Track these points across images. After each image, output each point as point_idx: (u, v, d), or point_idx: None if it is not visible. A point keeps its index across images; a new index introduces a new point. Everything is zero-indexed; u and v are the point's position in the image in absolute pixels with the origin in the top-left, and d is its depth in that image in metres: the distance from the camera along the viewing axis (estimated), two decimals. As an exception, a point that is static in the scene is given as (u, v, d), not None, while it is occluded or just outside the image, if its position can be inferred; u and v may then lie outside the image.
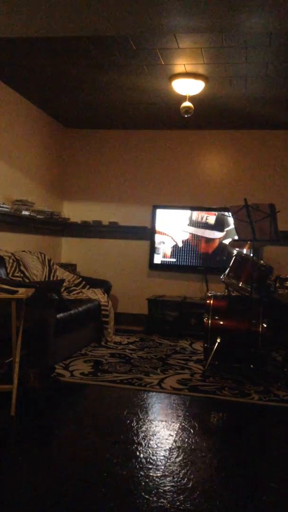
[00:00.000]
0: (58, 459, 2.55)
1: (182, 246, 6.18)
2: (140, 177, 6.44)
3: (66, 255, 6.62)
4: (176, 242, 6.18)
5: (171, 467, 2.42)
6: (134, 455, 2.54)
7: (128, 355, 4.68)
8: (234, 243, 5.18)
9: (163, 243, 6.22)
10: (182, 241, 6.17)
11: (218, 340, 4.08)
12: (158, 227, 6.24)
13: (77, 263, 6.44)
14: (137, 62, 4.24)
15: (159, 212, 6.25)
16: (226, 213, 6.00)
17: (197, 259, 6.15)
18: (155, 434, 2.84)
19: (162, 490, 2.18)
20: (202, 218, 6.12)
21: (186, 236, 6.16)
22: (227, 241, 5.98)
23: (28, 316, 3.27)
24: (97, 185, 6.56)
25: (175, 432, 2.88)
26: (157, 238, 6.25)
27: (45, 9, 3.32)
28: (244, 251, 4.73)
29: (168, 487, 2.21)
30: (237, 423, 3.17)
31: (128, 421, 3.01)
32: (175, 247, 6.19)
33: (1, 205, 4.66)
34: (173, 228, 6.20)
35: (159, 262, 6.25)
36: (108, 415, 3.18)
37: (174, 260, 6.20)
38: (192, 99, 4.80)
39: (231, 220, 5.60)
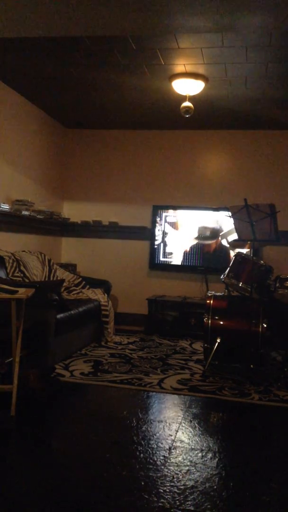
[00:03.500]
0: (58, 459, 2.55)
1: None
2: (140, 177, 6.44)
3: (66, 255, 6.62)
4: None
5: (171, 467, 2.42)
6: (134, 455, 2.54)
7: (128, 355, 4.67)
8: (234, 243, 5.19)
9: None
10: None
11: (218, 340, 4.08)
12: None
13: (77, 263, 6.44)
14: (137, 62, 4.23)
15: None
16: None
17: (198, 259, 6.15)
18: (155, 434, 2.84)
19: (162, 490, 2.18)
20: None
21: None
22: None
23: (28, 316, 3.27)
24: (97, 185, 6.56)
25: (175, 432, 2.88)
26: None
27: (45, 9, 3.32)
28: (244, 251, 4.73)
29: (168, 487, 2.21)
30: (237, 423, 3.17)
31: (128, 421, 3.01)
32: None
33: (1, 205, 4.66)
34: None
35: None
36: (108, 415, 3.17)
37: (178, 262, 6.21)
38: (192, 99, 4.80)
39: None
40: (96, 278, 5.84)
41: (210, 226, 6.09)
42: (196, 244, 6.14)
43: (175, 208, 6.22)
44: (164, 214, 6.24)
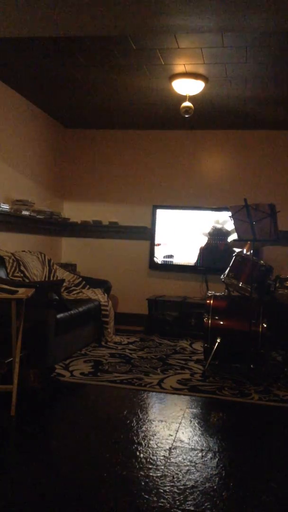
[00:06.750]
0: (58, 459, 2.55)
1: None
2: (140, 177, 6.44)
3: (66, 255, 6.62)
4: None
5: (171, 467, 2.42)
6: (134, 455, 2.54)
7: (128, 355, 4.67)
8: (234, 243, 5.18)
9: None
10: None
11: (218, 340, 4.08)
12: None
13: (77, 263, 6.44)
14: (137, 62, 4.23)
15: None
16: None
17: (198, 259, 6.15)
18: (155, 434, 2.84)
19: (162, 490, 2.18)
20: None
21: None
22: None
23: (28, 316, 3.27)
24: (97, 185, 6.56)
25: (175, 432, 2.88)
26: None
27: (45, 9, 3.32)
28: (244, 251, 4.73)
29: (168, 487, 2.21)
30: (237, 423, 3.17)
31: (128, 421, 3.01)
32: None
33: (1, 205, 4.66)
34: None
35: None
36: (108, 415, 3.17)
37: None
38: (192, 99, 4.80)
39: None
40: (96, 278, 5.84)
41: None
42: (195, 244, 6.14)
43: (175, 208, 6.22)
44: (164, 214, 6.24)
